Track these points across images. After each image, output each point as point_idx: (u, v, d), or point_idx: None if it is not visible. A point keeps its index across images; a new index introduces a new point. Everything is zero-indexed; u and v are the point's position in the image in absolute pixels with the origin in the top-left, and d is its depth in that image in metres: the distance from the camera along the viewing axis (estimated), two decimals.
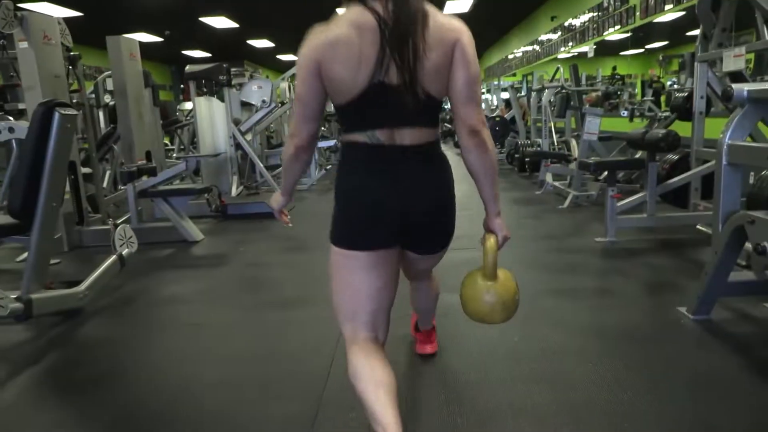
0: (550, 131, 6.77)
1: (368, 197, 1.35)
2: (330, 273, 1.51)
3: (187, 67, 6.15)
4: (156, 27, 12.64)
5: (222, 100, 6.26)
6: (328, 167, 7.69)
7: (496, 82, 13.29)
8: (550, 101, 6.41)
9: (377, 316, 1.43)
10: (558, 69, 6.57)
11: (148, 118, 5.96)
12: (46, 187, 2.48)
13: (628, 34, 8.59)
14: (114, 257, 2.96)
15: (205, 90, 6.73)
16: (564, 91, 6.73)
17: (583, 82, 7.61)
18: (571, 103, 6.75)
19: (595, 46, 9.45)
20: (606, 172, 4.93)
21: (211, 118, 6.27)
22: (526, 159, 6.73)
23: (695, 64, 3.92)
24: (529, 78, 14.43)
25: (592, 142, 5.15)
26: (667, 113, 5.24)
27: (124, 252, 3.06)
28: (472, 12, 12.29)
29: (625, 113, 5.31)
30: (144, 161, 5.27)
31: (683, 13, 7.27)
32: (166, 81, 18.18)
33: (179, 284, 3.28)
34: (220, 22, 12.07)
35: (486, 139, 1.35)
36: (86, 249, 4.23)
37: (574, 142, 6.69)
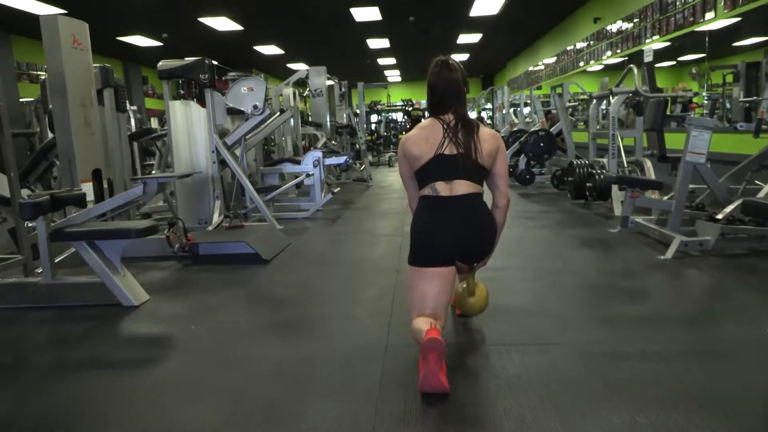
0: (619, 149, 5.35)
1: (430, 234, 2.05)
2: (408, 287, 2.12)
3: (161, 63, 4.84)
4: (152, 29, 11.45)
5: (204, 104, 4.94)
6: (336, 190, 6.30)
7: (523, 95, 11.90)
8: (622, 109, 4.99)
9: (437, 310, 2.03)
10: (630, 69, 5.16)
11: (108, 126, 4.66)
12: None
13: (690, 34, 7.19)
14: None
15: (182, 92, 5.40)
16: (638, 98, 5.33)
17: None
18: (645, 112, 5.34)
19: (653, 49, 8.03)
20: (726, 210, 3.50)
21: (188, 127, 4.93)
22: (588, 184, 5.30)
23: None
24: (558, 90, 13.07)
25: (698, 165, 3.73)
26: None
27: None
28: (502, 15, 10.94)
29: (743, 126, 3.88)
30: (88, 183, 3.95)
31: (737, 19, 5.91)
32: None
33: (67, 415, 1.88)
34: (221, 23, 10.85)
35: (507, 204, 2.19)
36: None
37: (648, 163, 5.27)
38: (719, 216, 3.42)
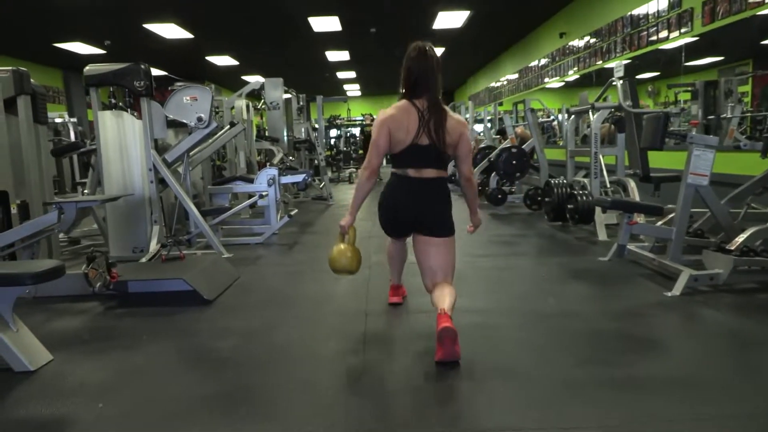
0: (601, 169, 4.98)
1: (396, 205, 2.49)
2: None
3: (88, 68, 4.18)
4: (93, 36, 10.61)
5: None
6: (293, 212, 5.70)
7: (486, 111, 11.61)
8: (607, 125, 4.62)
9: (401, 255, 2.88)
10: (611, 83, 4.82)
11: (23, 139, 3.95)
12: None
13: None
14: None
15: (113, 101, 4.74)
16: (618, 114, 4.99)
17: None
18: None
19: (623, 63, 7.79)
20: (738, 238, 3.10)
21: (121, 141, 4.28)
22: (569, 206, 4.89)
23: None
24: (520, 107, 12.86)
25: (700, 188, 3.34)
26: None
27: None
28: (465, 29, 10.64)
29: (747, 145, 3.52)
30: None
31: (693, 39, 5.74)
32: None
33: None
34: (169, 30, 10.12)
35: (473, 181, 2.55)
36: None
37: (632, 183, 4.92)
38: (732, 247, 3.03)
